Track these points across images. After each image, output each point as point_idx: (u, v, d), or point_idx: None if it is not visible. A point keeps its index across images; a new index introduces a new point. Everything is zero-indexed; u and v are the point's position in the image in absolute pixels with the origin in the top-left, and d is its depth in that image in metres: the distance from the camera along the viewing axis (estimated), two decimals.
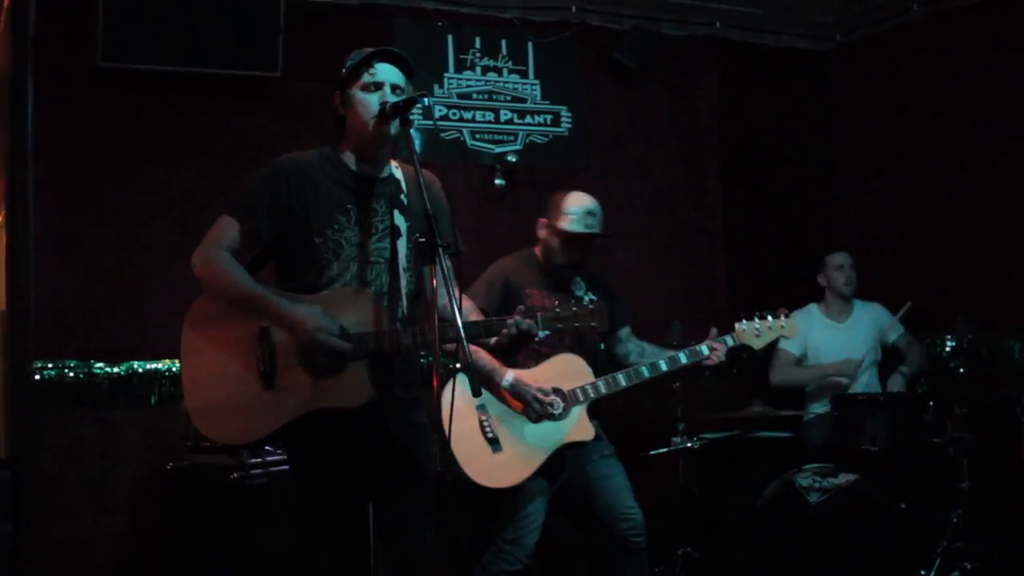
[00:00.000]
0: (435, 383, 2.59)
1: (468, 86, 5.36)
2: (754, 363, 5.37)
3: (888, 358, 5.21)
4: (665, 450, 4.51)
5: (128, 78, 4.56)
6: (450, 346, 2.80)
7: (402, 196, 2.95)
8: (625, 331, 4.32)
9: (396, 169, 3.01)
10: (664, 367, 4.09)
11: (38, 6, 4.41)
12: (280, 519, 3.94)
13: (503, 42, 5.44)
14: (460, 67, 5.34)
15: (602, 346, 4.44)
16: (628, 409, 4.90)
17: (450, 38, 5.32)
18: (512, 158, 5.38)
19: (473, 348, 3.38)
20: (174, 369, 4.55)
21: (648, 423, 4.84)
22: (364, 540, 3.05)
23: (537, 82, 5.51)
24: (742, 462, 5.06)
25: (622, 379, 4.04)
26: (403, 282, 2.91)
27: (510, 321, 2.84)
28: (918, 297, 5.28)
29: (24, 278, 4.33)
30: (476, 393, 2.67)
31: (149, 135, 4.68)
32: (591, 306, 2.98)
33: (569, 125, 5.57)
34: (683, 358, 4.10)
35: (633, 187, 5.72)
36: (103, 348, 4.54)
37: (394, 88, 2.86)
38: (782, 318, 4.19)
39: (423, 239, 2.75)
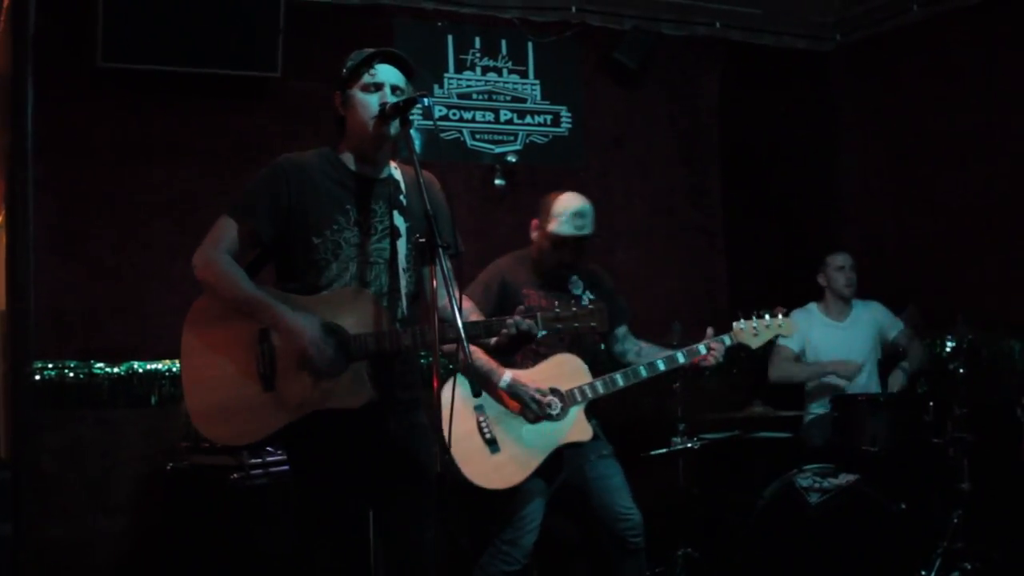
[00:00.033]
0: (435, 383, 2.59)
1: (468, 86, 5.36)
2: (755, 363, 5.37)
3: (889, 355, 5.21)
4: (665, 450, 4.50)
5: (128, 78, 4.56)
6: (449, 347, 2.80)
7: (401, 197, 2.96)
8: (622, 330, 4.32)
9: (395, 170, 3.01)
10: (662, 367, 4.09)
11: (38, 6, 4.40)
12: (280, 519, 3.94)
13: (503, 42, 5.44)
14: (460, 67, 5.34)
15: (602, 346, 4.44)
16: (628, 409, 4.90)
17: (450, 38, 5.32)
18: (512, 158, 5.38)
19: (472, 348, 3.38)
20: (174, 369, 4.55)
21: (648, 423, 4.84)
22: (364, 541, 3.05)
23: (537, 82, 5.51)
24: (742, 462, 5.06)
25: (620, 379, 4.04)
26: (403, 283, 2.92)
27: (510, 321, 2.85)
28: (918, 297, 5.28)
29: (24, 278, 4.32)
30: (476, 394, 2.68)
31: (149, 135, 4.68)
32: (591, 306, 2.98)
33: (569, 125, 5.57)
34: (681, 358, 4.10)
35: (633, 187, 5.72)
36: (103, 348, 4.54)
37: (394, 89, 2.86)
38: (779, 317, 4.19)
39: (423, 239, 2.75)
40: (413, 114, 2.81)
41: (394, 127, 2.83)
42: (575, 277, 4.20)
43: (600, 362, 4.30)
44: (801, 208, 6.10)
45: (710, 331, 4.17)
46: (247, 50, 4.63)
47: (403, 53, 2.93)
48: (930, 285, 5.50)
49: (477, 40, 5.38)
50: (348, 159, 2.94)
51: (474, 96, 5.37)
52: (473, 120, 5.35)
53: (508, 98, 5.44)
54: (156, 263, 4.59)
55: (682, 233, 5.84)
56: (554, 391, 3.95)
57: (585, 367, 4.06)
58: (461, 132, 5.32)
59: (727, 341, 4.15)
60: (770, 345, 4.71)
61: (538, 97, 5.51)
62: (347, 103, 2.90)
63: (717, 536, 4.74)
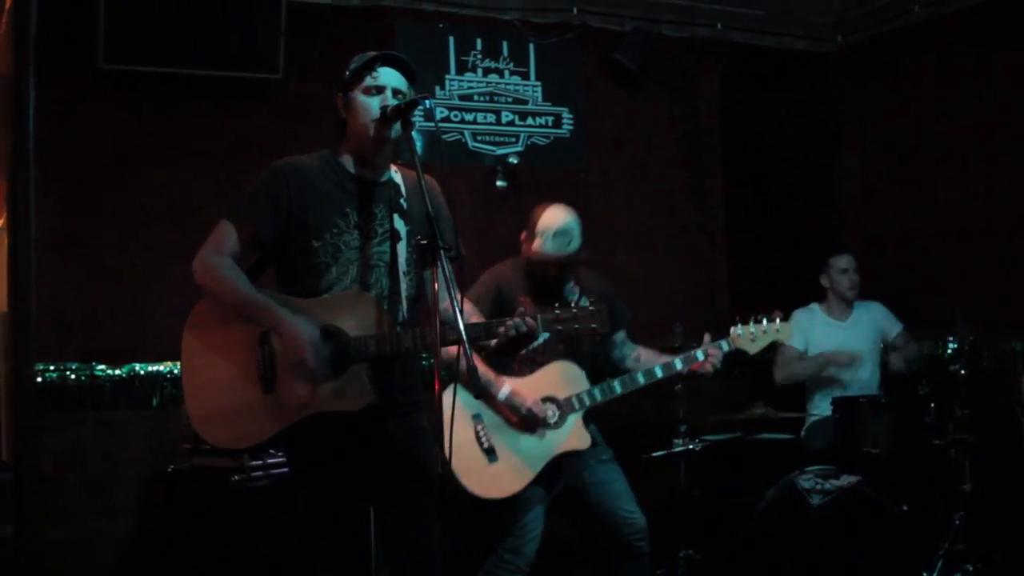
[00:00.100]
0: (437, 387, 2.59)
1: (469, 88, 5.36)
2: (756, 364, 5.36)
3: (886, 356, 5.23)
4: (666, 452, 4.50)
5: (129, 80, 4.56)
6: (449, 356, 2.79)
7: (401, 200, 2.95)
8: (620, 335, 4.31)
9: (396, 173, 3.00)
10: (660, 374, 4.08)
11: (39, 8, 4.40)
12: (281, 522, 3.93)
13: (504, 44, 5.44)
14: (461, 69, 5.34)
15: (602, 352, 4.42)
16: (629, 411, 4.89)
17: (451, 40, 5.32)
18: (513, 160, 5.38)
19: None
20: (175, 371, 4.55)
21: (649, 425, 4.84)
22: (365, 542, 3.04)
23: (538, 84, 5.51)
24: (744, 464, 5.06)
25: (617, 386, 4.03)
26: (403, 286, 2.91)
27: (510, 323, 2.84)
28: (918, 297, 5.28)
29: (25, 280, 4.33)
30: (477, 396, 2.67)
31: (150, 137, 4.68)
32: (591, 307, 2.97)
33: (570, 127, 5.57)
34: (679, 364, 4.09)
35: (634, 188, 5.72)
36: (104, 350, 4.55)
37: (396, 92, 2.86)
38: (777, 321, 4.16)
39: (424, 241, 2.75)
40: (414, 116, 2.81)
41: (395, 130, 2.83)
42: (571, 284, 4.17)
43: (599, 367, 4.29)
44: (802, 209, 6.10)
45: (707, 337, 4.16)
46: (248, 52, 4.63)
47: (405, 56, 2.93)
48: (930, 285, 5.49)
49: (478, 42, 5.38)
50: (348, 162, 2.94)
51: (475, 98, 5.37)
52: (474, 122, 5.35)
53: (509, 99, 5.44)
54: (157, 265, 4.59)
55: (683, 234, 5.84)
56: (552, 399, 3.94)
57: (583, 374, 4.05)
58: (462, 134, 5.32)
59: (725, 347, 4.13)
60: (770, 350, 4.70)
61: (539, 99, 5.51)
62: (349, 106, 2.90)
63: (718, 538, 4.74)
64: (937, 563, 4.30)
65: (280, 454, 3.95)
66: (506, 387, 3.78)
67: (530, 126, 5.47)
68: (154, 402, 4.60)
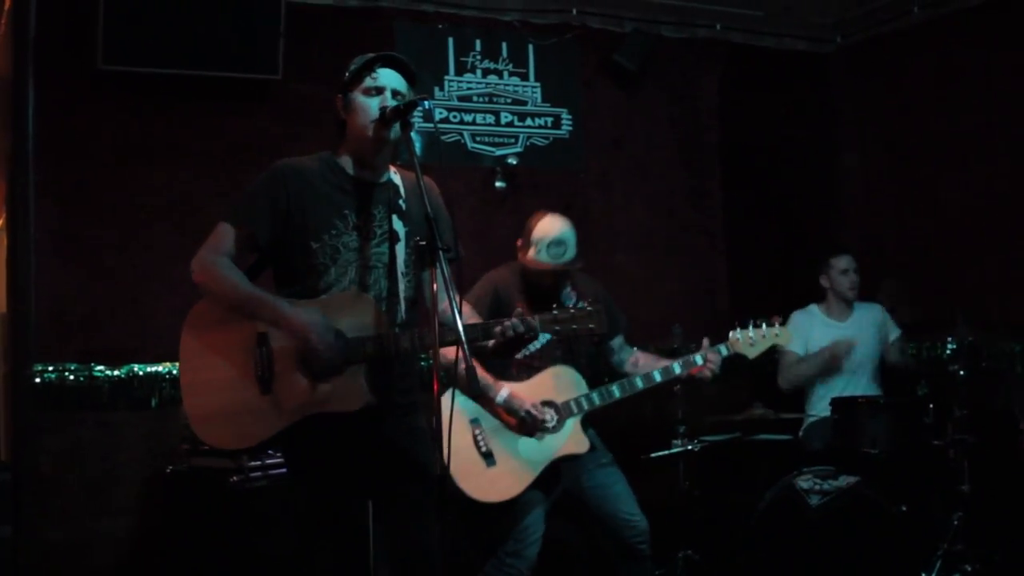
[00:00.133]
0: (435, 387, 2.59)
1: (469, 89, 5.36)
2: (755, 366, 5.36)
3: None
4: (666, 453, 4.50)
5: (129, 81, 4.57)
6: (447, 358, 2.79)
7: (400, 201, 2.95)
8: (618, 340, 4.30)
9: (395, 175, 3.00)
10: (658, 378, 4.08)
11: (39, 9, 4.41)
12: (280, 522, 3.93)
13: (504, 44, 5.44)
14: (461, 69, 5.34)
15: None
16: (628, 412, 4.89)
17: (451, 40, 5.32)
18: (513, 161, 5.38)
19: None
20: (174, 372, 4.55)
21: (649, 426, 4.83)
22: (364, 543, 3.04)
23: (538, 84, 5.51)
24: (743, 465, 5.06)
25: (616, 390, 4.03)
26: (401, 287, 2.91)
27: (508, 323, 2.84)
28: (918, 297, 5.27)
29: (25, 280, 4.33)
30: (475, 398, 2.67)
31: (149, 138, 4.68)
32: (589, 308, 2.97)
33: (570, 127, 5.57)
34: (677, 368, 4.08)
35: (633, 189, 5.72)
36: (103, 350, 4.55)
37: (395, 93, 2.86)
38: (776, 326, 4.16)
39: (423, 242, 2.74)
40: (414, 117, 2.81)
41: (394, 131, 2.83)
42: (568, 289, 4.16)
43: (597, 371, 4.29)
44: (802, 209, 6.10)
45: (706, 341, 4.15)
46: (248, 53, 4.63)
47: (404, 57, 2.94)
48: (930, 285, 5.49)
49: (478, 42, 5.39)
50: (347, 163, 2.94)
51: (475, 98, 5.37)
52: (474, 123, 5.35)
53: (509, 100, 5.44)
54: (157, 265, 4.59)
55: (682, 235, 5.84)
56: (550, 403, 3.94)
57: (581, 378, 4.05)
58: (462, 135, 5.32)
59: (723, 351, 4.13)
60: (769, 354, 4.70)
61: (539, 99, 5.51)
62: (348, 107, 2.90)
63: (718, 538, 4.74)
64: (936, 563, 4.30)
65: (278, 454, 3.95)
66: (505, 390, 3.78)
67: (529, 127, 5.47)
68: (153, 403, 4.60)
